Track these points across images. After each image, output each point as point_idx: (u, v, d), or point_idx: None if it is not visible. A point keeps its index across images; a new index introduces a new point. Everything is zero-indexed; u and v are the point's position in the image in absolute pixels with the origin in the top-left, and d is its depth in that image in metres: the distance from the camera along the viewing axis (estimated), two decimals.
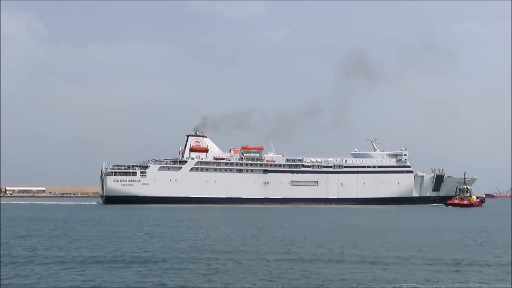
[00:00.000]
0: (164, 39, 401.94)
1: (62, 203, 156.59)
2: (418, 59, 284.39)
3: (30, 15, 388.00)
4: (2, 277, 30.34)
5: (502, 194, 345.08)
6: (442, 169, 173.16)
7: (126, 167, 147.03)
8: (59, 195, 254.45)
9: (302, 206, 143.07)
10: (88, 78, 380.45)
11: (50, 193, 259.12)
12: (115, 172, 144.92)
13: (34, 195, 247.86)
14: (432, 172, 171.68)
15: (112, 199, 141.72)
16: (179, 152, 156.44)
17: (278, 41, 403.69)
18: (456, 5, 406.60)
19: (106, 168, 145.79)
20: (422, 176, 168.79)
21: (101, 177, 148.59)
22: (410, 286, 28.58)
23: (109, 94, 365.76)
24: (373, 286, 28.57)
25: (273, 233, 57.08)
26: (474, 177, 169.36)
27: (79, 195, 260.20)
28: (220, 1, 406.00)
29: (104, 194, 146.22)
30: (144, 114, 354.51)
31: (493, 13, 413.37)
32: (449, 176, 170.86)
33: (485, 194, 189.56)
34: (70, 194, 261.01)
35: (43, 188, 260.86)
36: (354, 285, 28.74)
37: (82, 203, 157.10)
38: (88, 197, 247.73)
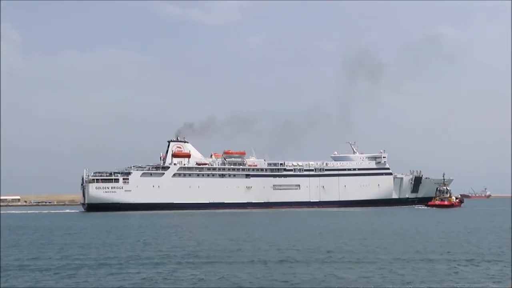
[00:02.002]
0: (140, 47, 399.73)
1: (44, 212, 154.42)
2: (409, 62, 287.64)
3: (5, 25, 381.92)
4: None
5: (477, 195, 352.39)
6: (420, 171, 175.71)
7: (108, 174, 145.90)
8: (35, 203, 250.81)
9: (290, 210, 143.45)
10: (63, 85, 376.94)
11: (25, 201, 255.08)
12: (97, 179, 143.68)
13: (9, 204, 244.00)
14: (411, 174, 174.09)
15: (94, 207, 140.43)
16: (160, 158, 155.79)
17: (255, 47, 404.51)
18: (428, 8, 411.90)
19: (88, 176, 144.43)
20: (401, 178, 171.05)
21: (82, 184, 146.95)
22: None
23: (84, 102, 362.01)
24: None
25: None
26: (451, 178, 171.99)
27: (55, 203, 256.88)
28: (194, 8, 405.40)
29: (86, 202, 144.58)
30: (121, 121, 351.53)
31: (463, 15, 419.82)
32: (426, 178, 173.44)
33: (460, 195, 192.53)
34: (45, 202, 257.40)
35: (18, 197, 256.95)
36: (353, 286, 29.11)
37: (63, 211, 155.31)
38: (64, 205, 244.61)
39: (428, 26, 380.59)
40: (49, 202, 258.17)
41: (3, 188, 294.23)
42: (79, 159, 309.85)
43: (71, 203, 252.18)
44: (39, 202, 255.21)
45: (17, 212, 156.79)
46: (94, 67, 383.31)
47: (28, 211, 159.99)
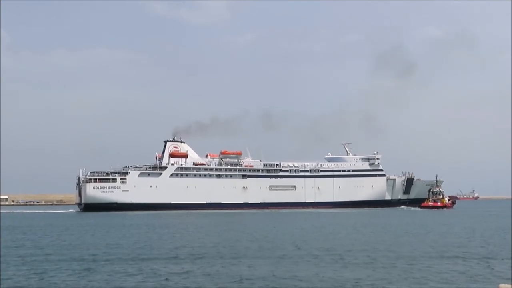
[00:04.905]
0: (128, 45, 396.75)
1: (37, 211, 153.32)
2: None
3: None
4: None
5: (465, 196, 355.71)
6: (412, 172, 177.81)
7: (105, 174, 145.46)
8: (22, 203, 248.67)
9: (284, 210, 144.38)
10: (52, 84, 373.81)
11: (13, 201, 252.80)
12: (94, 179, 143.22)
13: None
14: (403, 175, 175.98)
15: (91, 207, 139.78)
16: (156, 158, 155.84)
17: (246, 46, 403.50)
18: (413, 9, 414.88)
19: (85, 175, 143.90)
20: (394, 180, 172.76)
21: (78, 184, 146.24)
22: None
23: (74, 101, 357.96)
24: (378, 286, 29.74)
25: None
26: (441, 179, 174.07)
27: (43, 203, 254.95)
28: (183, 7, 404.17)
29: (83, 202, 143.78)
30: (111, 120, 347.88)
31: (450, 15, 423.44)
32: (418, 179, 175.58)
33: (449, 196, 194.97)
34: (33, 202, 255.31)
35: (6, 197, 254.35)
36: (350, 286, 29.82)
37: (58, 211, 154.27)
38: (52, 204, 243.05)
39: (393, 27, 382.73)
40: (37, 202, 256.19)
41: None
42: (65, 159, 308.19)
43: (60, 203, 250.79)
44: (27, 202, 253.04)
45: (9, 211, 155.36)
46: (83, 66, 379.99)
47: (23, 211, 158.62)
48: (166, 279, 31.99)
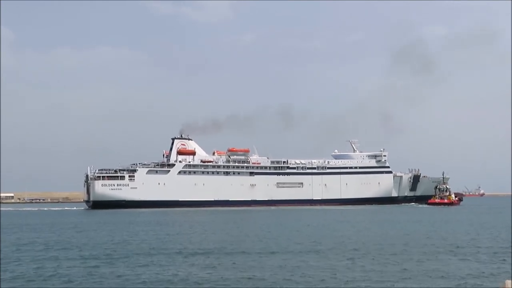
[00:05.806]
0: (131, 45, 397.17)
1: (46, 209, 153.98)
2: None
3: None
4: None
5: (470, 193, 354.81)
6: (418, 169, 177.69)
7: (113, 171, 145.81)
8: (28, 201, 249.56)
9: (294, 208, 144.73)
10: (52, 84, 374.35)
11: (19, 199, 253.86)
12: (102, 177, 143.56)
13: (3, 201, 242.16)
14: (410, 172, 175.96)
15: (100, 204, 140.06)
16: (163, 155, 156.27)
17: (249, 44, 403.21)
18: (413, 9, 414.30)
19: (94, 173, 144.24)
20: (401, 177, 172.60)
21: (86, 181, 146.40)
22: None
23: (76, 100, 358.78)
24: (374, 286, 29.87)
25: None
26: (447, 176, 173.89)
27: (49, 200, 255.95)
28: (183, 6, 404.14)
29: (91, 199, 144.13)
30: (114, 119, 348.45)
31: (451, 13, 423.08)
32: (424, 176, 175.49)
33: (455, 193, 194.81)
34: (39, 200, 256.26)
35: (12, 194, 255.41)
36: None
37: (66, 208, 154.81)
38: (58, 202, 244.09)
39: (396, 26, 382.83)
40: (43, 200, 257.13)
41: None
42: (70, 158, 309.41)
43: (65, 201, 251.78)
44: (32, 200, 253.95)
45: (19, 209, 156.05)
46: (85, 66, 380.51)
47: (30, 208, 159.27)
48: (195, 274, 32.30)
